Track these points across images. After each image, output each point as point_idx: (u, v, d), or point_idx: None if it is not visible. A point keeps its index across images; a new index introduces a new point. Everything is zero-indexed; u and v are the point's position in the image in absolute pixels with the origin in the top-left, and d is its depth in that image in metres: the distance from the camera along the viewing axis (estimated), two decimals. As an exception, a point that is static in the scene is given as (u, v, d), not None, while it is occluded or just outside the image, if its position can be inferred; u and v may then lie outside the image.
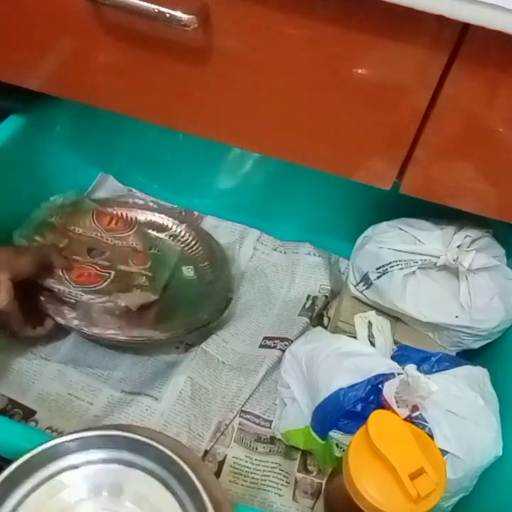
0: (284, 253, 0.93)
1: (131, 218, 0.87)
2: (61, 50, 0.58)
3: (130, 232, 0.83)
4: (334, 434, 0.62)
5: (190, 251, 0.87)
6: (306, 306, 0.85)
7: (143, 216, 0.88)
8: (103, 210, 0.85)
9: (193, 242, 0.88)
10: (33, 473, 0.36)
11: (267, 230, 0.95)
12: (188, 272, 0.83)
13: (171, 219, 0.89)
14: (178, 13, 0.46)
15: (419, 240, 0.72)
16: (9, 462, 0.35)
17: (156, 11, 0.46)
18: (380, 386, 0.60)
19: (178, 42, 0.51)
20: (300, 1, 0.45)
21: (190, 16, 0.46)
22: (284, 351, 0.76)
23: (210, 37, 0.50)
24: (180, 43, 0.52)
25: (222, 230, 0.94)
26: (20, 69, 0.62)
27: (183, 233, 0.88)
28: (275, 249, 0.93)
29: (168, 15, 0.46)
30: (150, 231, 0.87)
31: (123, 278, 0.75)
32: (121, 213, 0.87)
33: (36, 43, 0.58)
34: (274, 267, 0.91)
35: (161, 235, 0.87)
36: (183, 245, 0.87)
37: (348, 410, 0.60)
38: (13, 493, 0.35)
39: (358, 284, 0.77)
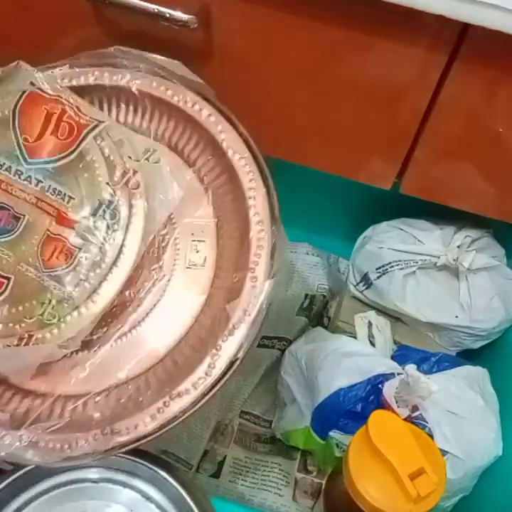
0: (282, 252, 0.93)
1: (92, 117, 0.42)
2: (61, 50, 0.58)
3: (74, 152, 0.41)
4: (334, 434, 0.62)
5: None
6: (304, 306, 0.85)
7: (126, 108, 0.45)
8: (39, 97, 0.43)
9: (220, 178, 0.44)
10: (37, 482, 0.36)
11: (265, 230, 0.94)
12: (195, 253, 0.43)
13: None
14: (178, 13, 0.46)
15: (419, 240, 0.72)
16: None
17: (156, 10, 0.46)
18: (380, 386, 0.60)
19: (178, 42, 0.51)
20: (300, 1, 0.45)
21: (190, 16, 0.46)
22: (282, 351, 0.76)
23: (210, 37, 0.50)
24: (181, 43, 0.51)
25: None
26: (20, 69, 0.62)
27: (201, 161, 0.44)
28: (273, 249, 0.93)
29: (168, 15, 0.46)
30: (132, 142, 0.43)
31: (20, 297, 0.40)
32: (76, 107, 0.42)
33: (36, 43, 0.58)
34: (271, 266, 0.91)
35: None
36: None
37: (348, 410, 0.60)
38: (17, 497, 0.35)
39: (358, 284, 0.77)
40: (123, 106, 0.45)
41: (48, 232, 0.40)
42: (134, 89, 0.44)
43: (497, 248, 0.72)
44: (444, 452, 0.57)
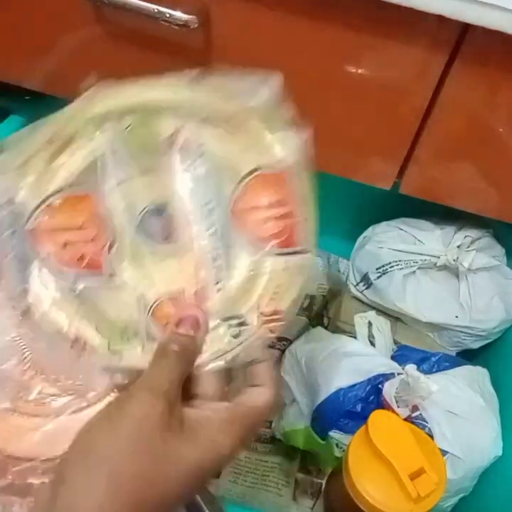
0: (282, 253, 0.93)
1: None
2: (61, 50, 0.58)
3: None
4: (334, 434, 0.62)
5: None
6: (304, 306, 0.85)
7: None
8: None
9: None
10: None
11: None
12: None
13: None
14: (178, 13, 0.46)
15: (419, 240, 0.72)
16: None
17: (156, 11, 0.46)
18: (380, 386, 0.60)
19: (178, 42, 0.51)
20: (300, 1, 0.45)
21: (190, 16, 0.46)
22: (282, 350, 0.76)
23: (210, 37, 0.50)
24: (181, 43, 0.51)
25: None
26: (20, 69, 0.62)
27: None
28: (273, 249, 0.93)
29: (168, 15, 0.46)
30: None
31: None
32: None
33: (36, 43, 0.58)
34: (271, 267, 0.91)
35: None
36: None
37: (348, 410, 0.60)
38: None
39: (358, 284, 0.77)
40: None
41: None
42: None
43: (497, 248, 0.72)
44: (444, 452, 0.57)
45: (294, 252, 0.39)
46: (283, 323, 0.39)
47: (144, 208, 0.38)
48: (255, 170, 0.40)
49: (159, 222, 0.38)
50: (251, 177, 0.40)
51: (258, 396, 0.34)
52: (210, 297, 0.37)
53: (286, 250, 0.39)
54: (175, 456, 0.29)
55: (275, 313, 0.38)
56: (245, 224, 0.38)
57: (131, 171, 0.38)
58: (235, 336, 0.37)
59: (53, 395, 0.41)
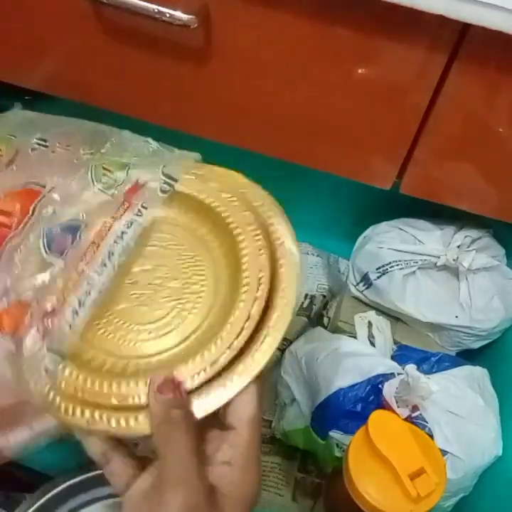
0: (282, 252, 0.92)
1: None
2: (61, 50, 0.58)
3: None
4: (334, 434, 0.62)
5: None
6: (304, 306, 0.85)
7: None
8: None
9: None
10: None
11: (265, 230, 0.94)
12: None
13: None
14: (178, 13, 0.46)
15: (419, 240, 0.72)
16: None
17: (156, 10, 0.46)
18: (380, 386, 0.60)
19: (178, 42, 0.51)
20: (300, 1, 0.45)
21: (190, 16, 0.46)
22: (282, 351, 0.76)
23: (210, 37, 0.50)
24: (180, 43, 0.51)
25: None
26: (20, 69, 0.62)
27: None
28: (273, 249, 0.93)
29: (168, 15, 0.46)
30: None
31: None
32: None
33: (36, 43, 0.58)
34: (271, 267, 0.91)
35: None
36: None
37: (348, 410, 0.60)
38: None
39: (358, 284, 0.77)
40: None
41: None
42: None
43: (497, 248, 0.72)
44: (444, 452, 0.57)
45: None
46: None
47: None
48: None
49: None
50: None
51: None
52: None
53: None
54: None
55: None
56: None
57: None
58: None
59: None
